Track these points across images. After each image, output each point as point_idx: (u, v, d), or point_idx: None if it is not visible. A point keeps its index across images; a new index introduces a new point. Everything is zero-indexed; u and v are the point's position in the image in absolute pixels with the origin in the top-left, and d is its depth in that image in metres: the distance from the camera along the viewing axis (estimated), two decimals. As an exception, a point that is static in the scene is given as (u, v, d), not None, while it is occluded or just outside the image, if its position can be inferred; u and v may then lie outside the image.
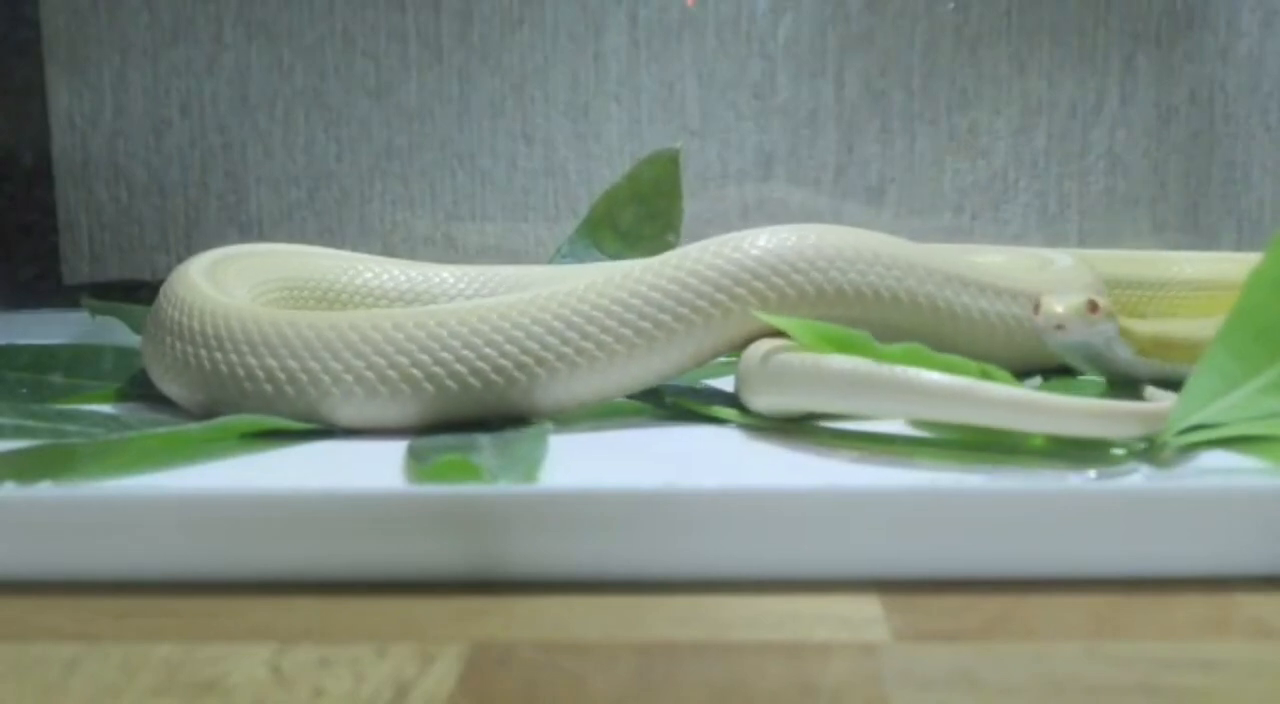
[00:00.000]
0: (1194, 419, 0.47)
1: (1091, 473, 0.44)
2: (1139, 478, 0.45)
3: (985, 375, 0.50)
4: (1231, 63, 0.94)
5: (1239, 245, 0.94)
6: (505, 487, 0.41)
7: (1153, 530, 0.37)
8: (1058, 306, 0.51)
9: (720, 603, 0.36)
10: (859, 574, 0.37)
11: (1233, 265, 0.77)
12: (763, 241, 0.56)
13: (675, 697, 0.30)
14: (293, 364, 0.53)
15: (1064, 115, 0.95)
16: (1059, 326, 0.51)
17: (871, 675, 0.31)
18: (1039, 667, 0.32)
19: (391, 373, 0.52)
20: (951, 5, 0.95)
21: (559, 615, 0.35)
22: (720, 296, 0.55)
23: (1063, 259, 0.69)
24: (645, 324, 0.54)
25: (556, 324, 0.53)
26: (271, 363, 0.53)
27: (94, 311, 0.77)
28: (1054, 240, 0.94)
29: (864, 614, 0.35)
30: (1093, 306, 0.51)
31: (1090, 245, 0.94)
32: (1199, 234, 0.95)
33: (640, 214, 0.81)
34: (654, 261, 0.56)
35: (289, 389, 0.52)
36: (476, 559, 0.37)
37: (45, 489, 0.40)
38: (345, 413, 0.52)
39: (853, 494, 0.38)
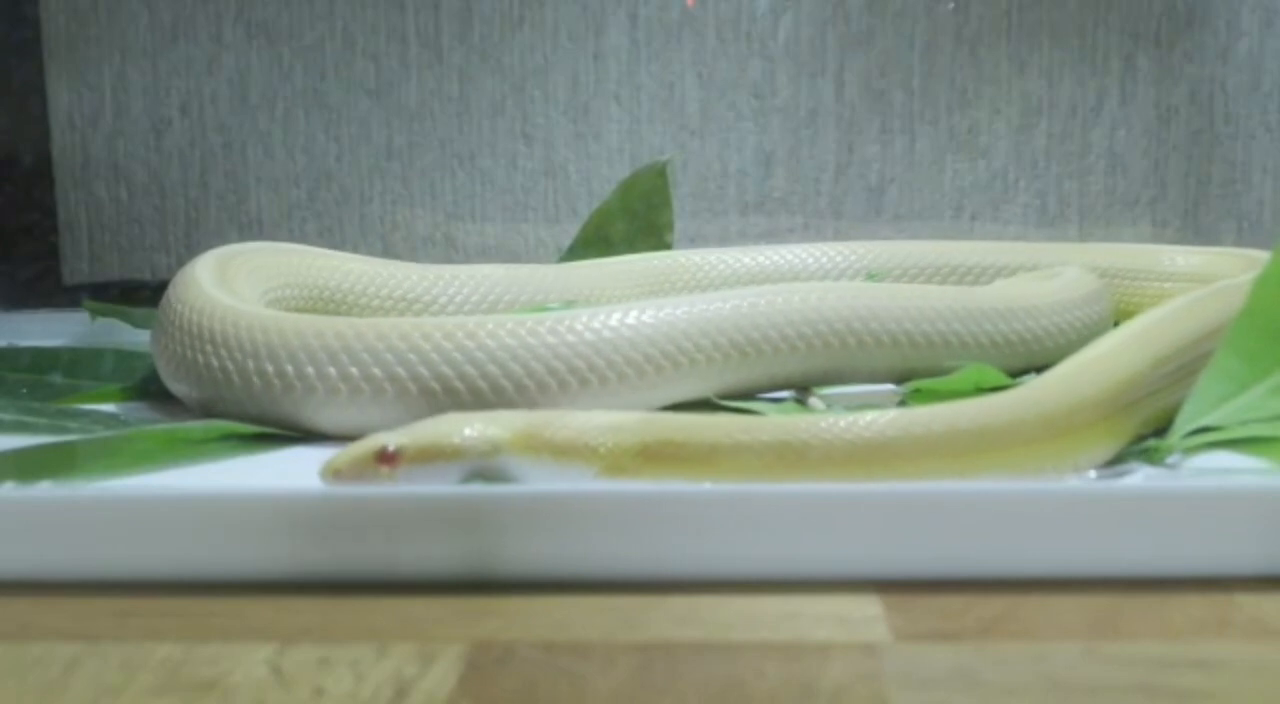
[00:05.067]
0: (1202, 421, 0.47)
1: (1091, 473, 0.44)
2: (1139, 478, 0.45)
3: (980, 377, 0.51)
4: (1231, 63, 0.94)
5: (1239, 245, 0.94)
6: (505, 487, 0.41)
7: (1153, 530, 0.37)
8: (333, 461, 0.41)
9: (720, 603, 0.36)
10: (859, 574, 0.37)
11: (1222, 259, 0.77)
12: (764, 299, 0.58)
13: (675, 697, 0.30)
14: (287, 368, 0.53)
15: (1064, 115, 0.95)
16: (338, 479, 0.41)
17: (871, 675, 0.31)
18: (1039, 667, 0.32)
19: (368, 381, 0.52)
20: (951, 5, 0.95)
21: (559, 615, 0.35)
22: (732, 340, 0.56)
23: (1069, 272, 0.70)
24: (646, 355, 0.54)
25: (546, 348, 0.53)
26: (267, 366, 0.53)
27: (94, 313, 0.77)
28: (1054, 240, 0.94)
29: (864, 614, 0.35)
30: (386, 457, 0.41)
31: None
32: (1199, 234, 0.95)
33: (631, 228, 0.82)
34: (665, 306, 0.56)
35: (281, 393, 0.52)
36: (476, 559, 0.37)
37: (45, 489, 0.40)
38: (332, 418, 0.52)
39: (853, 494, 0.38)
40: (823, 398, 0.58)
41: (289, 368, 0.52)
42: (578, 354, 0.53)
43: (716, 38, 0.96)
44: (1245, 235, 0.95)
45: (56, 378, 0.65)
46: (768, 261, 0.77)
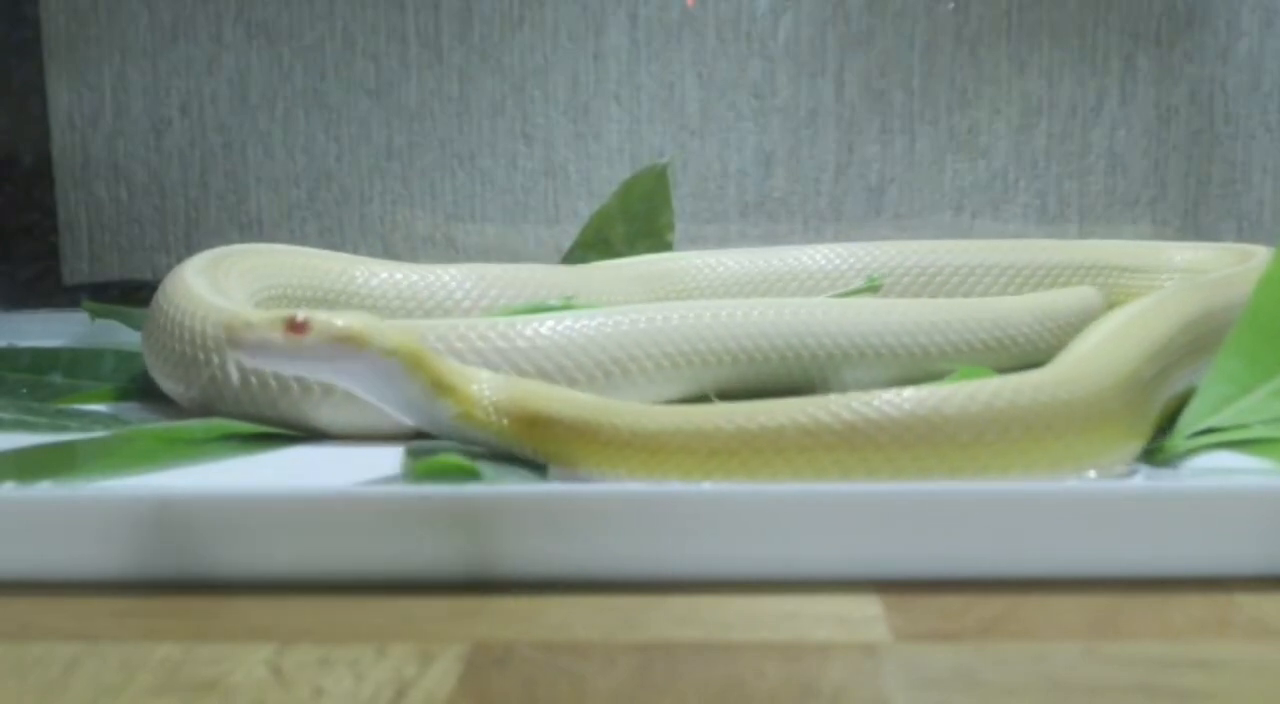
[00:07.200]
0: (1206, 423, 0.47)
1: (1091, 473, 0.44)
2: (1139, 478, 0.45)
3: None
4: (1231, 63, 0.94)
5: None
6: (505, 487, 0.41)
7: (1153, 530, 0.37)
8: (239, 318, 0.42)
9: (720, 603, 0.36)
10: (859, 574, 0.37)
11: (1219, 254, 0.77)
12: (755, 313, 0.60)
13: (675, 697, 0.30)
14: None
15: (1064, 115, 0.95)
16: (231, 343, 0.42)
17: (871, 675, 0.31)
18: (1039, 667, 0.32)
19: None
20: (951, 5, 0.95)
21: (559, 615, 0.35)
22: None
23: (1082, 292, 0.70)
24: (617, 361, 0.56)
25: (540, 349, 0.54)
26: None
27: (94, 314, 0.77)
28: (1054, 238, 0.94)
29: (864, 614, 0.35)
30: (295, 326, 0.41)
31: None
32: (1199, 234, 0.95)
33: (632, 230, 0.82)
34: (656, 311, 0.58)
35: (279, 392, 0.52)
36: (476, 559, 0.37)
37: (45, 489, 0.40)
38: (332, 417, 0.52)
39: (853, 494, 0.38)
40: None
41: None
42: (569, 355, 0.54)
43: (716, 38, 0.96)
44: (1245, 235, 0.95)
45: (56, 378, 0.65)
46: (779, 263, 0.77)
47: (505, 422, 0.45)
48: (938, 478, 0.40)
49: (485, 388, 0.46)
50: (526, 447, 0.46)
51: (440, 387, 0.45)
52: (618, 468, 0.43)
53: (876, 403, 0.41)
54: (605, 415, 0.44)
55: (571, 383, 0.54)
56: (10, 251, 1.00)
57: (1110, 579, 0.37)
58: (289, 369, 0.43)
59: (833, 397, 0.42)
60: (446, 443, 0.49)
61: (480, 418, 0.45)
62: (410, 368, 0.44)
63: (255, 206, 0.99)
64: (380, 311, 0.68)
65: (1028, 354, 0.63)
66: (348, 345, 0.42)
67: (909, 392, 0.41)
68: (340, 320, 0.42)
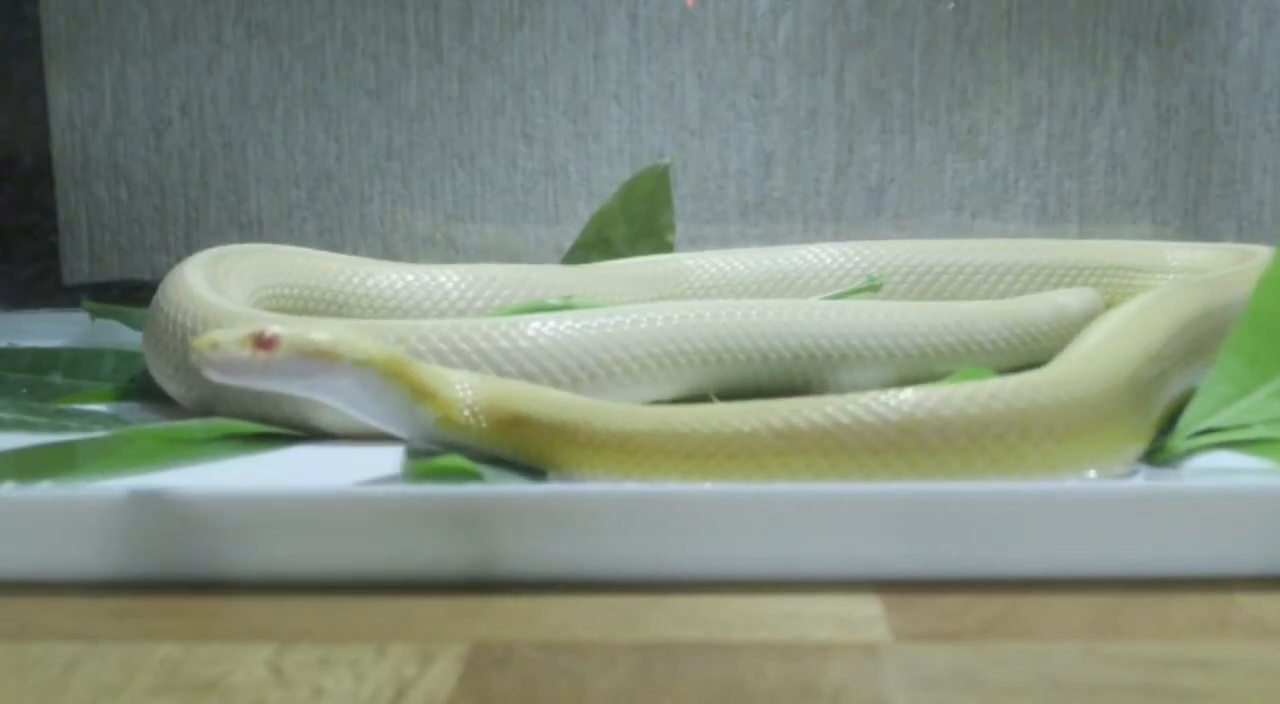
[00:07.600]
0: (1206, 423, 0.47)
1: (1091, 473, 0.44)
2: (1139, 478, 0.45)
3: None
4: (1231, 63, 0.94)
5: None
6: (505, 487, 0.41)
7: (1153, 530, 0.37)
8: (205, 340, 0.41)
9: (719, 603, 0.36)
10: (859, 574, 0.37)
11: (1219, 254, 0.77)
12: (755, 313, 0.60)
13: (675, 697, 0.30)
14: None
15: (1064, 115, 0.95)
16: (200, 362, 0.41)
17: (871, 675, 0.31)
18: (1039, 667, 0.32)
19: None
20: (951, 5, 0.95)
21: (559, 615, 0.35)
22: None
23: (1084, 292, 0.71)
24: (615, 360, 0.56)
25: (538, 348, 0.54)
26: None
27: (94, 314, 0.77)
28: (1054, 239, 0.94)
29: (864, 614, 0.35)
30: (263, 342, 0.41)
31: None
32: (1199, 234, 0.95)
33: (632, 231, 0.82)
34: (650, 311, 0.58)
35: (277, 393, 0.52)
36: (476, 559, 0.37)
37: (45, 489, 0.40)
38: (333, 416, 0.52)
39: (853, 494, 0.38)
40: None
41: None
42: (569, 354, 0.54)
43: (716, 38, 0.96)
44: (1245, 235, 0.95)
45: (56, 378, 0.65)
46: (782, 263, 0.77)
47: (485, 424, 0.45)
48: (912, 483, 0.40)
49: (463, 390, 0.45)
50: (507, 448, 0.45)
51: (419, 393, 0.44)
52: (595, 469, 0.42)
53: (851, 407, 0.40)
54: (583, 416, 0.43)
55: (567, 384, 0.54)
56: (10, 251, 1.00)
57: (1110, 579, 0.37)
58: (262, 385, 0.43)
59: (809, 400, 0.41)
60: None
61: (460, 421, 0.45)
62: (386, 376, 0.43)
63: (255, 206, 0.99)
64: (379, 312, 0.68)
65: (1034, 353, 0.63)
66: (318, 359, 0.42)
67: (885, 395, 0.41)
68: (310, 334, 0.42)
